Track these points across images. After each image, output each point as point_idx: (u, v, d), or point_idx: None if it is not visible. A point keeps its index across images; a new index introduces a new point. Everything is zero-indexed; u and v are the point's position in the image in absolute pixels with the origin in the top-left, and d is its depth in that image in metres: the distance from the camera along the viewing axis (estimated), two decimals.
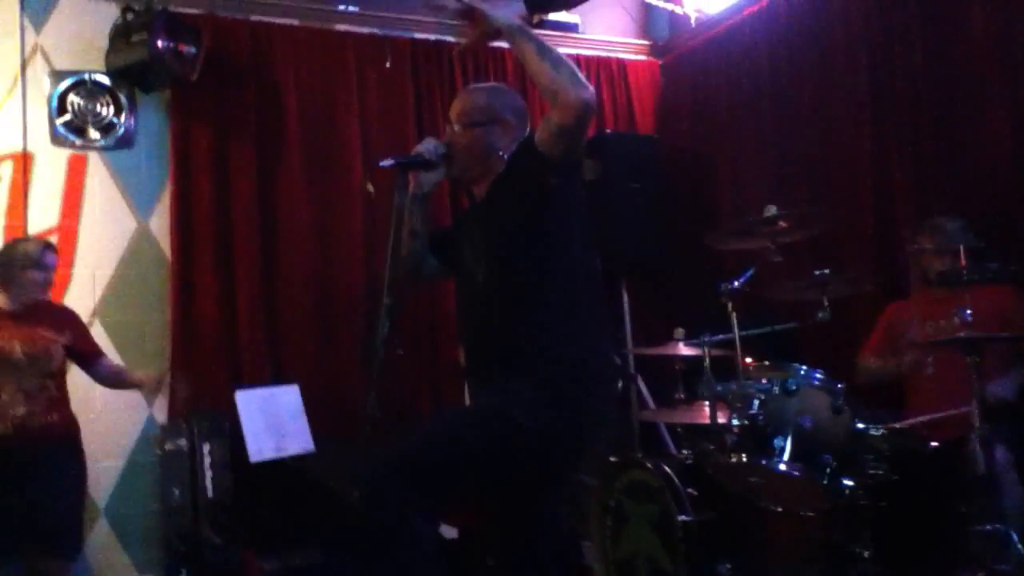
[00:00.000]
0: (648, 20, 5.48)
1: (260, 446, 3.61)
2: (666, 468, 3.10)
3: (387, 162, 2.27)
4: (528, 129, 2.42)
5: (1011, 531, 2.56)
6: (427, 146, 2.33)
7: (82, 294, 3.97)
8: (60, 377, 3.36)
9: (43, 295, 3.40)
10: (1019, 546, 2.53)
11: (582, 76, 2.06)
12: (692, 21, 5.16)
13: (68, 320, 3.47)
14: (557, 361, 2.16)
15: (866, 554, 2.83)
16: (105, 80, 4.15)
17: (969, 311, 2.73)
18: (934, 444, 2.94)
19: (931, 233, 3.34)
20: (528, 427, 2.07)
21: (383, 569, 1.98)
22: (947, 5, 3.66)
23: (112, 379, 3.59)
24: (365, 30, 4.68)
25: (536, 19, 5.40)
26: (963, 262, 2.86)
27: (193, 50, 4.12)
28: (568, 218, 2.25)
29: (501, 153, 2.33)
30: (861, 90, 4.01)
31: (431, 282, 2.61)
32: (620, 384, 4.36)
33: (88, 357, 3.49)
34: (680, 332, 3.58)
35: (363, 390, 4.17)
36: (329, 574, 3.22)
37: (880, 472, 2.88)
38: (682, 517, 2.97)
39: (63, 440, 3.32)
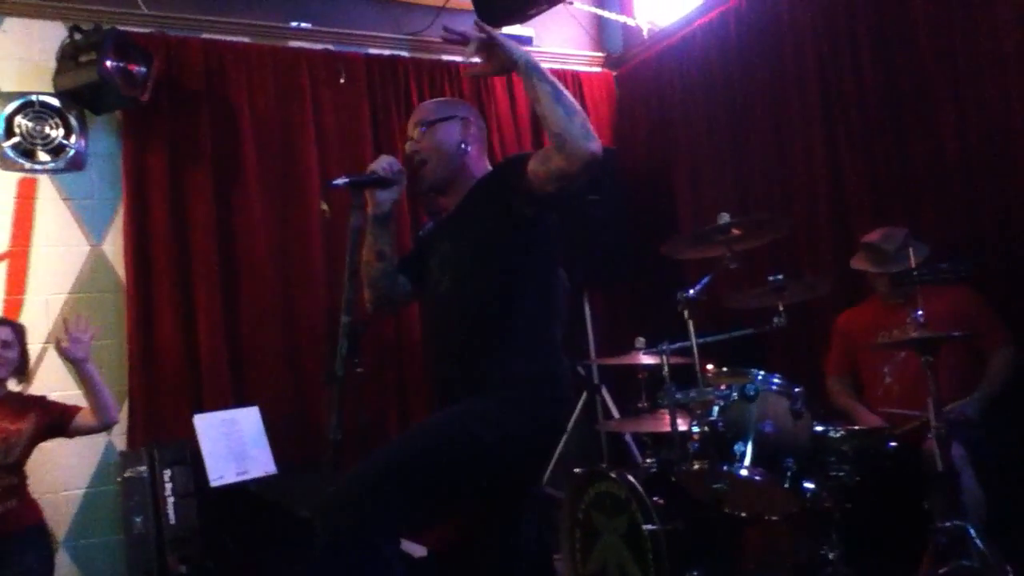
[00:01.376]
0: (601, 32, 5.54)
1: (221, 470, 3.55)
2: (631, 478, 3.11)
3: (340, 181, 2.23)
4: (485, 129, 2.46)
5: (969, 527, 2.60)
6: (381, 164, 2.31)
7: (35, 320, 3.88)
8: (20, 466, 3.26)
9: (2, 374, 3.30)
10: (978, 541, 2.57)
11: (591, 127, 2.04)
12: (645, 33, 5.22)
13: (30, 402, 3.38)
14: (521, 376, 2.15)
15: (832, 555, 2.86)
16: (54, 101, 4.08)
17: (920, 312, 2.78)
18: (893, 444, 2.99)
19: (868, 253, 3.37)
20: (493, 442, 2.06)
21: None
22: (893, 13, 3.74)
23: (97, 410, 3.35)
24: (318, 47, 4.66)
25: None
26: (912, 264, 2.91)
27: (144, 70, 4.06)
28: (541, 239, 2.26)
29: (466, 147, 2.34)
30: (812, 97, 4.09)
31: (407, 305, 2.58)
32: (584, 396, 4.38)
33: (66, 420, 3.36)
34: (641, 341, 3.60)
35: (326, 413, 4.15)
36: None
37: (842, 474, 2.93)
38: (648, 527, 2.98)
39: (25, 525, 3.21)
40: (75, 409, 3.40)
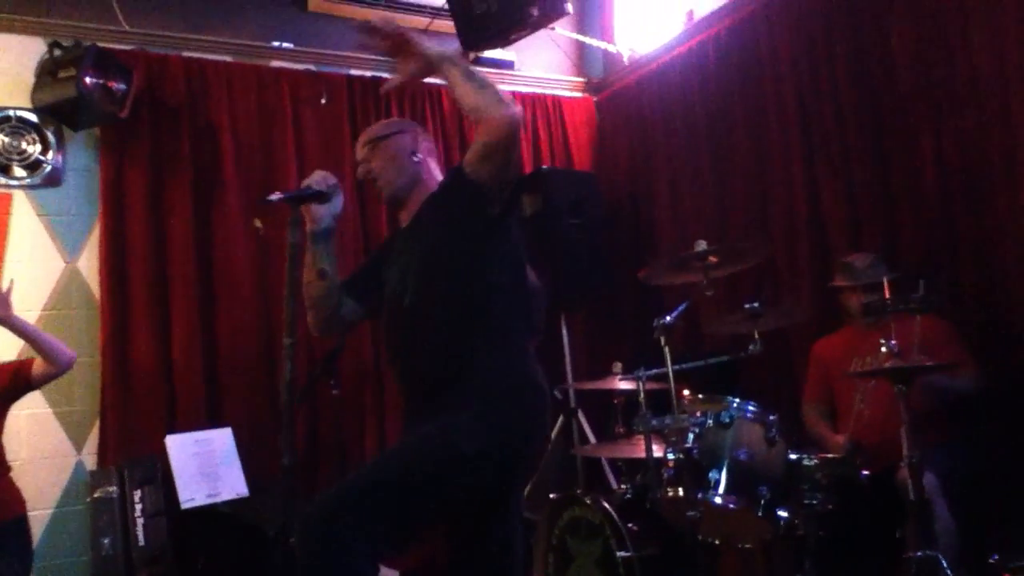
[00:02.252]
0: (583, 58, 5.58)
1: (192, 492, 3.51)
2: (606, 504, 3.11)
3: (275, 196, 2.18)
4: (435, 147, 2.49)
5: (940, 556, 2.61)
6: (315, 178, 2.29)
7: (7, 337, 3.81)
8: None
9: None
10: (948, 571, 2.58)
11: (507, 96, 2.08)
12: (625, 59, 5.27)
13: None
14: (488, 384, 2.13)
15: None
16: (31, 117, 4.06)
17: (895, 341, 2.81)
18: (866, 472, 3.01)
19: (843, 272, 3.46)
20: (470, 455, 2.04)
21: None
22: (871, 42, 3.78)
23: (47, 358, 3.23)
24: (300, 67, 4.66)
25: (472, 56, 5.50)
26: (887, 294, 2.94)
27: (123, 87, 4.05)
28: (504, 245, 2.24)
29: (418, 157, 2.35)
30: (791, 126, 4.12)
31: (354, 325, 2.52)
32: (560, 420, 4.36)
33: (24, 375, 3.26)
34: (618, 366, 3.60)
35: (299, 433, 4.10)
36: None
37: (815, 502, 2.93)
38: (622, 553, 2.97)
39: (7, 517, 3.12)
40: (28, 362, 3.29)
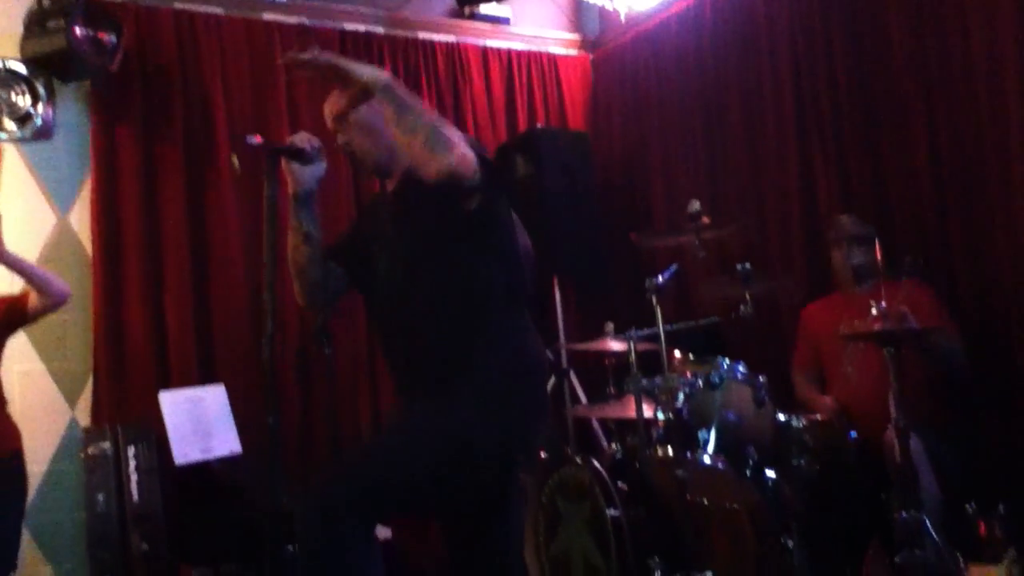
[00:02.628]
0: (579, 15, 5.51)
1: (185, 448, 3.52)
2: (596, 464, 3.14)
3: (255, 140, 2.14)
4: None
5: (925, 518, 2.65)
6: (300, 136, 2.25)
7: (7, 275, 3.81)
8: None
9: None
10: (933, 533, 2.62)
11: (443, 137, 1.97)
12: (622, 17, 5.20)
13: None
14: (489, 379, 2.10)
15: (791, 544, 2.91)
16: (21, 68, 3.99)
17: (884, 303, 2.83)
18: (853, 434, 3.04)
19: (831, 227, 3.53)
20: (471, 451, 2.03)
21: None
22: (867, 15, 3.75)
23: (41, 292, 3.18)
24: (292, 20, 4.58)
25: (468, 11, 5.40)
26: (878, 255, 2.95)
27: (113, 39, 3.99)
28: (490, 230, 2.19)
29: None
30: (785, 94, 4.09)
31: (337, 297, 2.44)
32: (552, 380, 4.38)
33: (19, 309, 3.22)
34: (610, 326, 3.61)
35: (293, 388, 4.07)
36: None
37: (802, 463, 2.97)
38: (612, 512, 3.01)
39: (3, 452, 3.11)
40: (24, 295, 3.26)
